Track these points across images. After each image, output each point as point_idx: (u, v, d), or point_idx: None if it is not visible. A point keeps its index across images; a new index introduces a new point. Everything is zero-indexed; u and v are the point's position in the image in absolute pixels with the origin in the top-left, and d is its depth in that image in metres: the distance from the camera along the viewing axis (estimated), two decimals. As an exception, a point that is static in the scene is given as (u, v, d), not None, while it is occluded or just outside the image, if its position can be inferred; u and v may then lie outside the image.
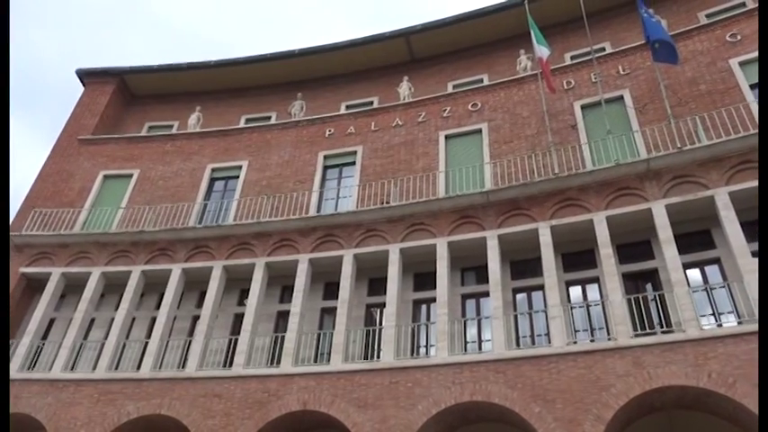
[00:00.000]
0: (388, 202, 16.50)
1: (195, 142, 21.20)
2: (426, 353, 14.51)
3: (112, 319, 16.69)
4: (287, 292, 16.46)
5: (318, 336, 15.50)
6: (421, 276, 15.72)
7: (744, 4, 18.13)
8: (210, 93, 24.28)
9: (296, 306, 15.34)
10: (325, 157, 19.26)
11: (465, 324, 14.68)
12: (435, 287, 14.56)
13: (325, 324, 16.02)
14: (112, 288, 17.48)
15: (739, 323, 12.00)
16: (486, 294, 14.33)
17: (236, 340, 15.24)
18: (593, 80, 17.06)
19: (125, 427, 14.35)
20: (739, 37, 15.96)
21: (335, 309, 15.12)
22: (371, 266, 15.89)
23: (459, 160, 17.30)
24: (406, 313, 15.22)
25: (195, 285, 17.09)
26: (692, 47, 16.43)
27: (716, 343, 11.46)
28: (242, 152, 20.37)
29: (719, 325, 12.42)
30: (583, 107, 16.86)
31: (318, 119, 20.46)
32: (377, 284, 15.92)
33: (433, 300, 14.67)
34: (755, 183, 12.92)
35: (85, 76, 24.67)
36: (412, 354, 14.36)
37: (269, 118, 23.00)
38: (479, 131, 17.79)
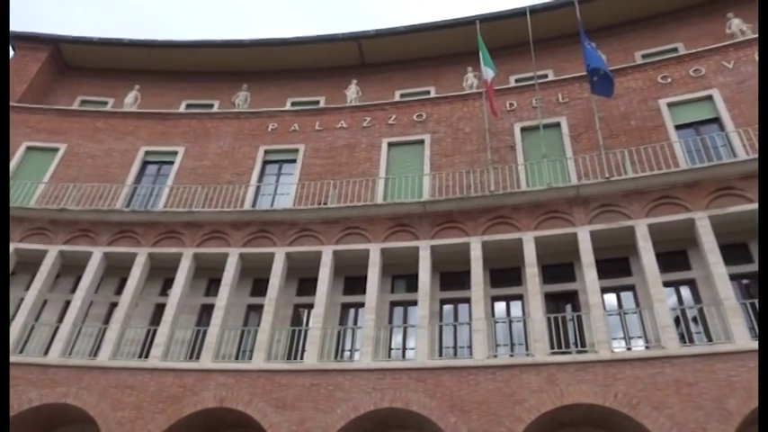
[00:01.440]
0: (325, 203, 16.45)
1: (130, 122, 20.38)
2: (351, 357, 14.53)
3: (22, 300, 15.72)
4: (213, 286, 16.05)
5: (242, 332, 15.24)
6: (352, 280, 15.74)
7: (676, 50, 19.35)
8: (152, 73, 23.47)
9: (221, 300, 15.00)
10: (266, 152, 19.00)
11: (391, 331, 14.83)
12: (365, 292, 14.62)
13: (250, 321, 15.74)
14: (25, 267, 16.48)
15: (647, 348, 12.75)
16: (415, 303, 14.52)
17: (155, 331, 14.72)
18: (534, 105, 17.69)
19: (25, 415, 13.55)
20: (670, 80, 17.00)
21: (263, 306, 14.90)
22: (303, 266, 15.77)
23: (400, 169, 17.50)
24: (333, 316, 15.20)
25: (116, 271, 16.38)
26: (626, 84, 17.33)
27: (624, 365, 12.08)
28: (179, 138, 19.77)
29: (629, 348, 13.13)
30: (522, 129, 17.45)
31: (262, 112, 20.18)
32: (307, 285, 15.82)
33: (362, 304, 14.71)
34: (673, 217, 13.81)
35: (17, 40, 23.26)
36: (336, 357, 14.34)
37: (211, 106, 22.49)
38: (422, 142, 18.07)
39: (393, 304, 15.42)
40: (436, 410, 12.35)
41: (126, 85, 22.29)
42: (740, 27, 17.62)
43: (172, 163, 19.04)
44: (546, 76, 19.76)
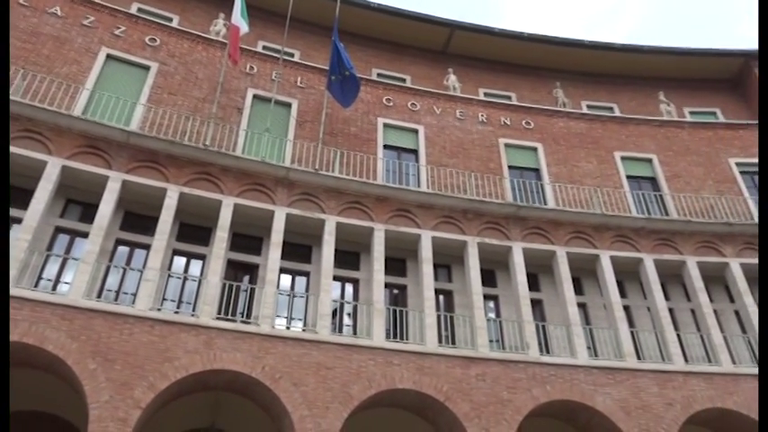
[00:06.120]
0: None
1: None
2: (-16, 277, 12.22)
3: None
4: None
5: None
6: (14, 191, 13.29)
7: (404, 80, 21.75)
8: None
9: None
10: (-62, 1, 14.80)
11: (47, 259, 12.97)
12: (27, 208, 12.55)
13: None
14: None
15: (303, 330, 13.89)
16: (86, 235, 13.07)
17: None
18: (273, 78, 17.75)
19: None
20: (392, 103, 19.00)
21: None
22: (-51, 156, 12.71)
23: (113, 87, 15.53)
24: (-26, 225, 12.61)
25: None
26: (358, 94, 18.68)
27: (278, 342, 12.88)
28: None
29: (288, 328, 14.10)
30: (255, 97, 17.32)
31: (-52, -49, 15.67)
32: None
33: (20, 221, 12.55)
34: (358, 222, 15.37)
35: None
36: (-37, 272, 11.91)
37: None
38: (147, 68, 16.45)
39: (58, 230, 13.56)
40: (75, 353, 11.31)
41: None
42: (455, 84, 20.77)
43: None
44: (292, 55, 20.06)
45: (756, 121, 21.40)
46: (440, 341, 14.20)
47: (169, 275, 13.77)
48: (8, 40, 9.59)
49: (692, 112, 23.33)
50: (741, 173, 19.58)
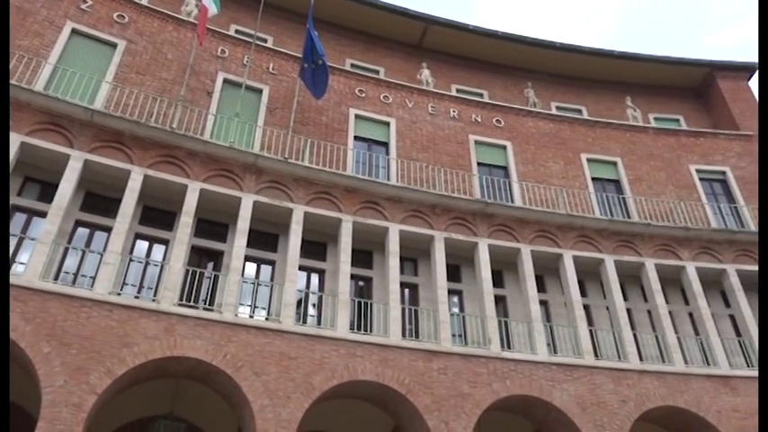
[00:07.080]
0: (-39, 63, 13.01)
1: None
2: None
3: None
4: None
5: None
6: (-33, 165, 12.79)
7: (378, 72, 21.65)
8: None
9: None
10: None
11: (1, 238, 12.53)
12: (-19, 184, 12.05)
13: None
14: None
15: (266, 319, 13.74)
16: (43, 214, 12.65)
17: None
18: (245, 62, 17.47)
19: None
20: (364, 95, 18.90)
21: None
22: None
23: (78, 64, 15.06)
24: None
25: None
26: (330, 83, 18.50)
27: (241, 330, 12.70)
28: None
29: (251, 316, 13.93)
30: (225, 80, 17.02)
31: None
32: None
33: (-28, 197, 12.07)
34: (325, 212, 15.24)
35: None
36: None
37: None
38: (114, 46, 15.98)
39: (15, 209, 13.06)
40: (29, 336, 10.97)
41: None
42: (428, 78, 20.78)
43: None
44: (266, 40, 19.76)
45: (716, 131, 22.18)
46: (403, 334, 14.25)
47: (130, 259, 13.45)
48: (8, 41, 9.15)
49: (656, 118, 23.93)
50: (700, 179, 20.21)
